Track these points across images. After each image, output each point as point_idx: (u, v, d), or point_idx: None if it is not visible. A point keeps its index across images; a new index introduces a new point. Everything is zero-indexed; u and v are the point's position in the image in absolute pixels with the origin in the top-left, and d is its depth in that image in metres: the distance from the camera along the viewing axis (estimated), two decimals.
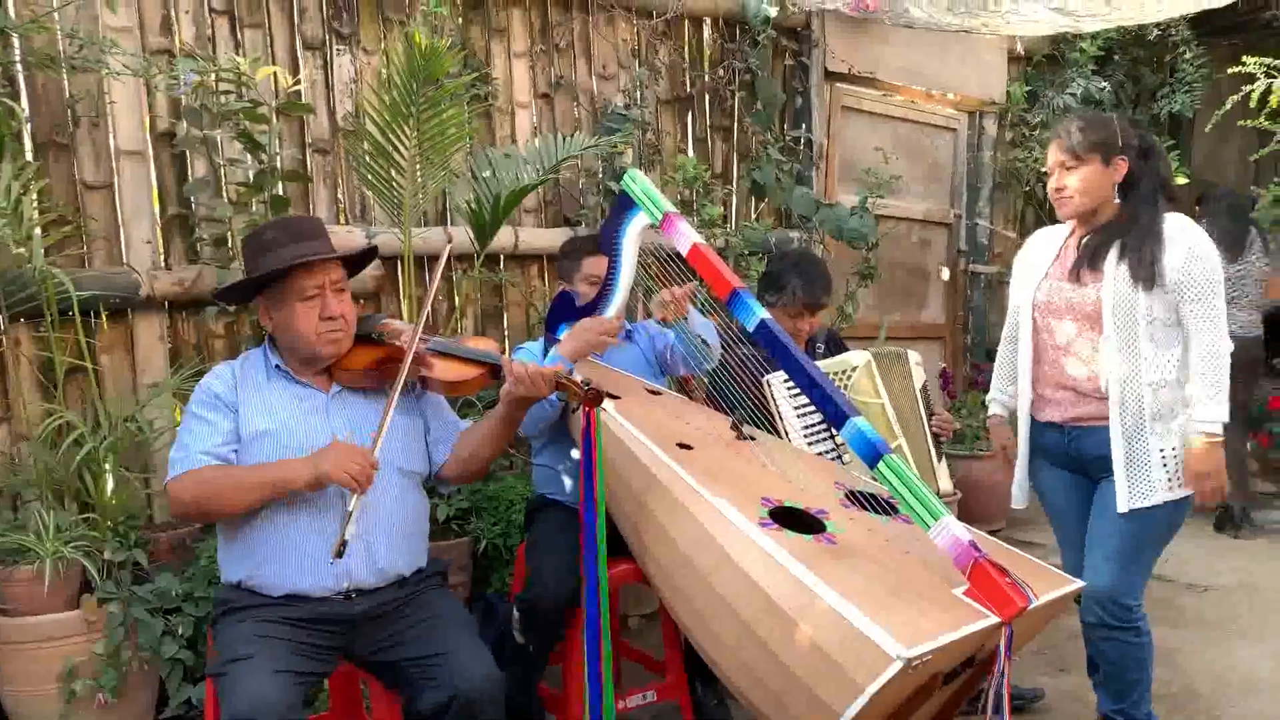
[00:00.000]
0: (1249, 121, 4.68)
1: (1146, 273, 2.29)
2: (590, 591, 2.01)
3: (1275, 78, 4.56)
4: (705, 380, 2.78)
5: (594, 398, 1.99)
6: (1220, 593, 3.84)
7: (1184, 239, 2.30)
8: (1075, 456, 2.48)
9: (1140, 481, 2.33)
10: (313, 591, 1.95)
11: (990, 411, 2.75)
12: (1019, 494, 2.65)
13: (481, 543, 3.13)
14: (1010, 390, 2.66)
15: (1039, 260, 2.56)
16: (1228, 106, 4.68)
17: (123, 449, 2.77)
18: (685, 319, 2.56)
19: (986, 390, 5.42)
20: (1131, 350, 2.33)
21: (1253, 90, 4.57)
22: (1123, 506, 2.34)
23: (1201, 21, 5.59)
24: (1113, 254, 2.36)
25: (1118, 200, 2.43)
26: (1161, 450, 2.33)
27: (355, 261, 2.17)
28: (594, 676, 1.99)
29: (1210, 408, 2.27)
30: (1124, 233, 2.37)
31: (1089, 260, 2.40)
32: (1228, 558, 4.26)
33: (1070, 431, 2.47)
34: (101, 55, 2.75)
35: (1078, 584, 1.94)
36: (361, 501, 1.89)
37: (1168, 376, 2.32)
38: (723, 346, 2.73)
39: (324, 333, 2.04)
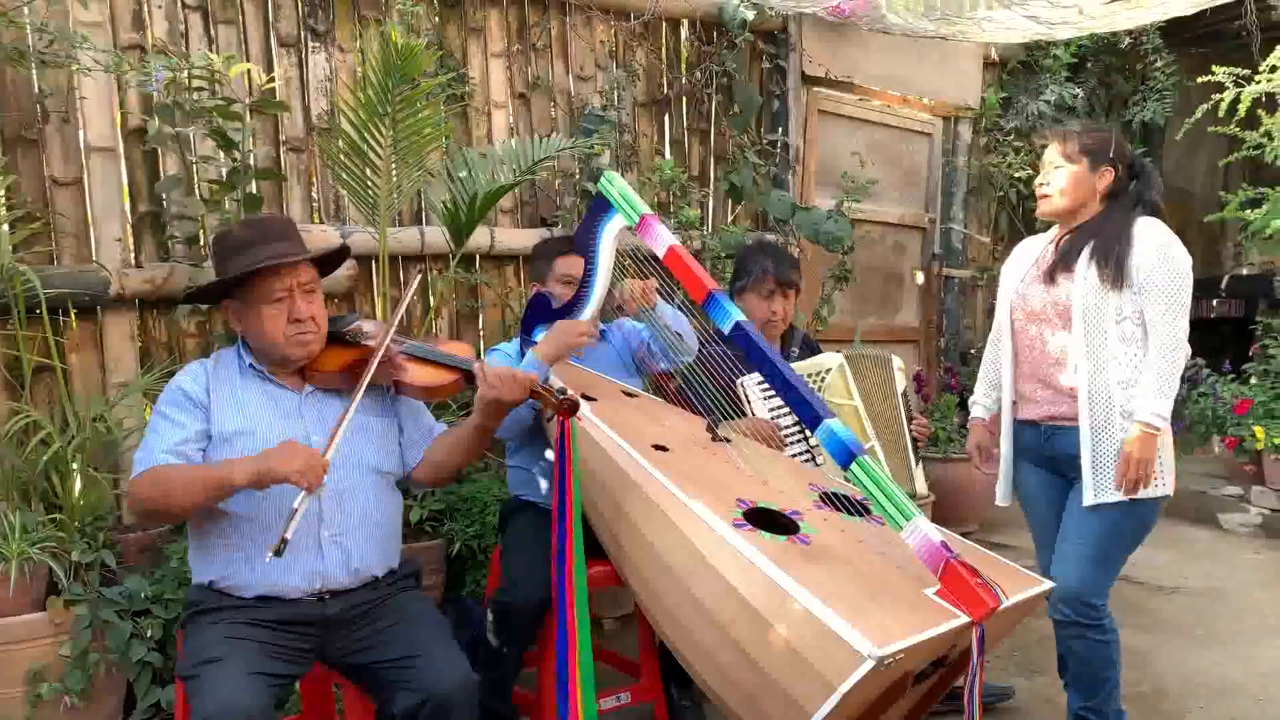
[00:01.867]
0: (1219, 129, 4.75)
1: (1114, 273, 2.33)
2: (561, 604, 2.00)
3: (1244, 86, 4.63)
4: (679, 378, 2.79)
5: (569, 407, 1.98)
6: (1189, 595, 3.88)
7: (1155, 239, 2.34)
8: (1051, 456, 2.51)
9: (1106, 477, 2.36)
10: (285, 593, 1.94)
11: (972, 415, 2.76)
12: (1001, 492, 2.68)
13: (455, 544, 3.11)
14: (994, 395, 2.69)
15: (1021, 265, 2.61)
16: (1198, 115, 4.75)
17: (91, 449, 2.74)
18: (653, 309, 2.55)
19: (960, 394, 5.51)
20: (1100, 349, 2.36)
21: (1222, 99, 4.64)
22: (1088, 500, 2.37)
23: (1172, 30, 5.67)
24: (1084, 255, 2.40)
25: (1100, 208, 2.47)
26: None
27: (328, 261, 2.15)
28: (563, 684, 1.98)
29: (1156, 401, 2.27)
30: (1096, 234, 2.41)
31: (1062, 261, 2.45)
32: (1198, 561, 4.32)
33: (1046, 430, 2.50)
34: (72, 50, 2.71)
35: (1047, 585, 1.96)
36: (307, 503, 1.80)
37: (1137, 375, 2.35)
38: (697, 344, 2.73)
39: (293, 335, 2.01)
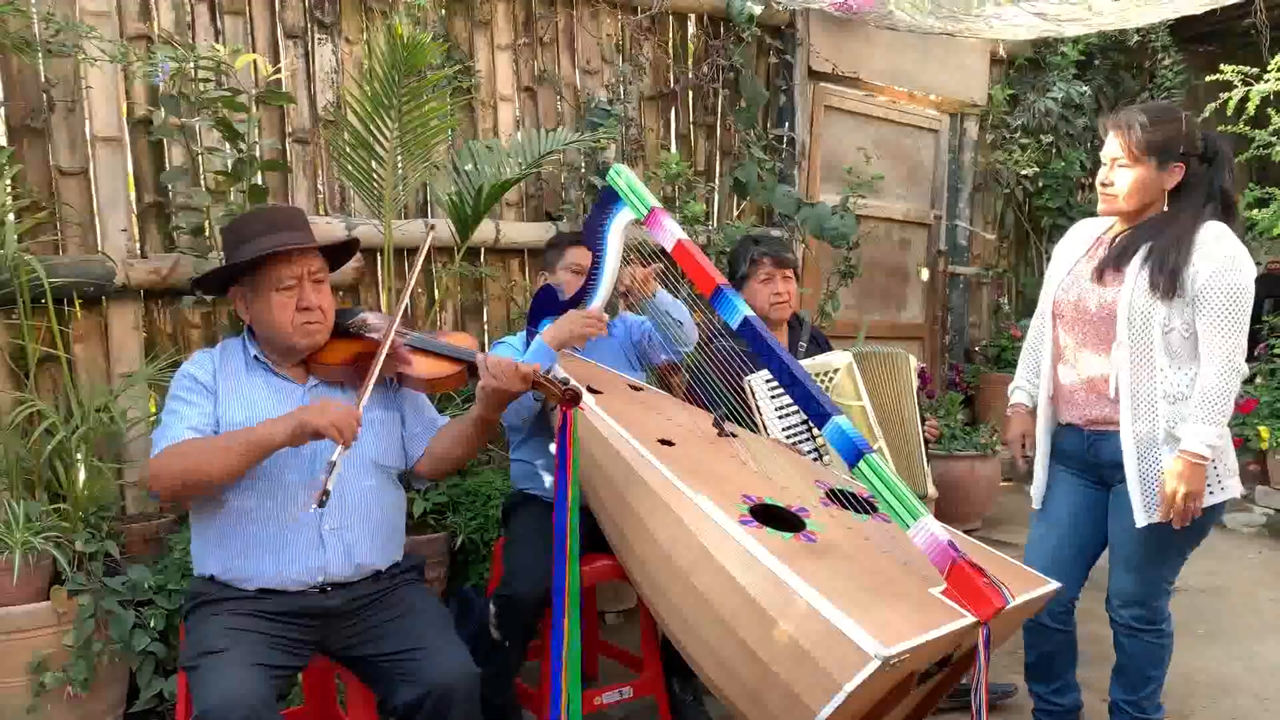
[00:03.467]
0: (1228, 127, 4.73)
1: (1166, 282, 2.17)
2: (558, 598, 2.00)
3: (1252, 85, 4.61)
4: (685, 371, 2.79)
5: (571, 398, 1.97)
6: (1189, 594, 3.87)
7: (1218, 248, 2.16)
8: (1094, 463, 2.39)
9: (1154, 495, 2.23)
10: (288, 585, 1.94)
11: (1013, 400, 2.60)
12: (1038, 495, 2.53)
13: (459, 537, 3.11)
14: (1036, 381, 2.52)
15: (1072, 251, 2.45)
16: (1206, 114, 4.73)
17: (95, 439, 2.73)
18: (654, 297, 2.55)
19: (963, 391, 5.48)
20: (1146, 361, 2.22)
21: (1230, 97, 4.62)
22: (1140, 521, 2.25)
23: (1181, 28, 5.65)
24: (1138, 257, 2.24)
25: (1165, 206, 2.29)
26: None
27: (337, 254, 2.14)
28: (556, 678, 1.98)
29: (1202, 429, 2.13)
30: (1156, 235, 2.24)
31: (1115, 259, 2.29)
32: (1197, 561, 4.23)
33: (1090, 436, 2.37)
34: (78, 40, 2.71)
35: (1053, 585, 1.96)
36: (344, 456, 1.82)
37: (1184, 390, 2.21)
38: (704, 340, 2.73)
39: (301, 324, 2.01)
